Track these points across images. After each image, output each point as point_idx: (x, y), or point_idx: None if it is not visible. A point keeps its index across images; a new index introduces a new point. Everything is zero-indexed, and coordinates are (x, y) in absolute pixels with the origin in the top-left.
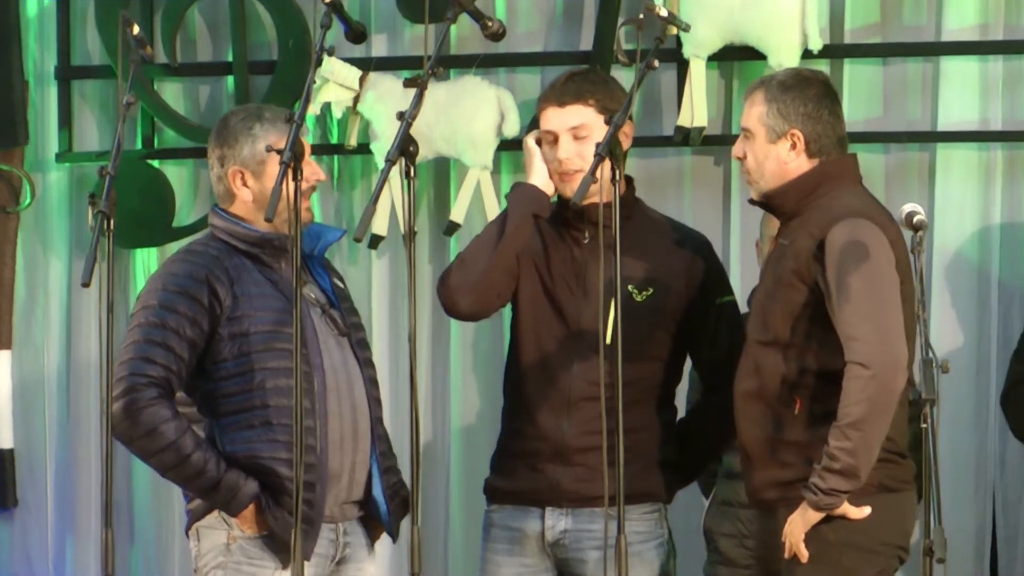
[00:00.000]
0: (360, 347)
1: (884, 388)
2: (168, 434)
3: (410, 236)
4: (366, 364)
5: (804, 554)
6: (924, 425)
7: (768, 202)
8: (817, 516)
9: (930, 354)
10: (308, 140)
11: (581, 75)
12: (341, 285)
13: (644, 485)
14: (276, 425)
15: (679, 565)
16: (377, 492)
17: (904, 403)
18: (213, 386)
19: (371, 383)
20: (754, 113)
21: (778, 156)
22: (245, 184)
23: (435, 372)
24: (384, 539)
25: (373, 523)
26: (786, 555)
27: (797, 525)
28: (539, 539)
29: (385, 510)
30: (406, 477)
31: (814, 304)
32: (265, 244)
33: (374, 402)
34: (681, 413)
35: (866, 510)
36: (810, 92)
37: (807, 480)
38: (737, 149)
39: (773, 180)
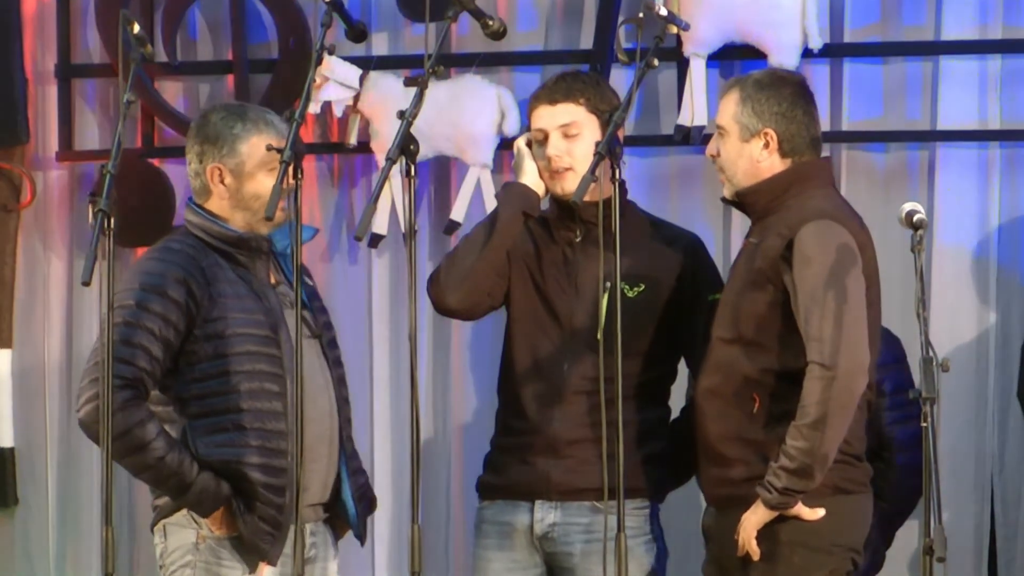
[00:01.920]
0: (330, 347)
1: (844, 389)
2: (141, 436)
3: (410, 235)
4: (335, 364)
5: (756, 551)
6: (924, 424)
7: (740, 200)
8: (770, 515)
9: (930, 353)
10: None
11: (572, 75)
12: (311, 283)
13: (633, 481)
14: (249, 429)
15: (677, 566)
16: (346, 495)
17: (863, 407)
18: (187, 387)
19: (340, 383)
20: (728, 111)
21: (751, 155)
22: (223, 181)
23: (436, 371)
24: (384, 539)
25: (338, 522)
26: (738, 553)
27: (750, 523)
28: (528, 533)
29: (354, 513)
30: (407, 476)
31: (780, 304)
32: (242, 244)
33: (343, 403)
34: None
35: (819, 511)
36: (785, 92)
37: (762, 478)
38: (711, 147)
39: (745, 179)
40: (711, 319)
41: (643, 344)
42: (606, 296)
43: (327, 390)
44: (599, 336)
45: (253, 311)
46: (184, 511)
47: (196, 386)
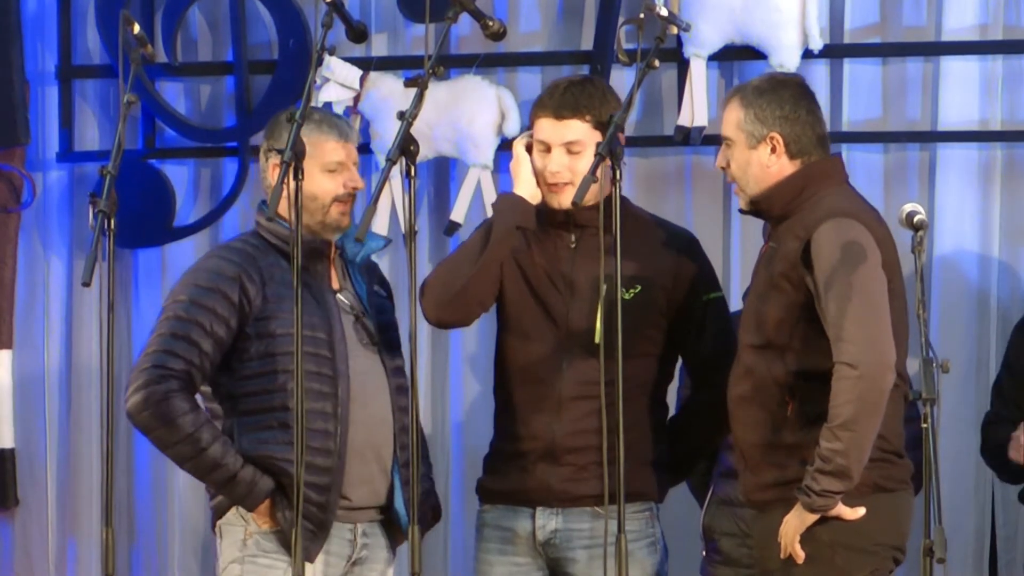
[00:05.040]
0: (390, 356)
1: (872, 387)
2: (185, 426)
3: (410, 235)
4: (394, 373)
5: (800, 555)
6: (924, 425)
7: (755, 207)
8: (812, 517)
9: (930, 354)
10: (353, 145)
11: (579, 87)
12: (383, 293)
13: (635, 484)
14: (294, 428)
15: (675, 565)
16: (398, 504)
17: (898, 401)
18: (236, 384)
19: (399, 392)
20: (731, 120)
21: (760, 161)
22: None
23: (434, 371)
24: None
25: (395, 528)
26: (781, 555)
27: (791, 526)
28: (530, 538)
29: (405, 522)
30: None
31: (804, 306)
32: (302, 245)
33: (399, 411)
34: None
35: (860, 511)
36: (785, 94)
37: (802, 481)
38: (720, 159)
39: (757, 185)
40: (707, 318)
41: (643, 346)
42: (601, 299)
43: (383, 397)
44: (597, 340)
45: (308, 312)
46: (234, 509)
47: (245, 383)
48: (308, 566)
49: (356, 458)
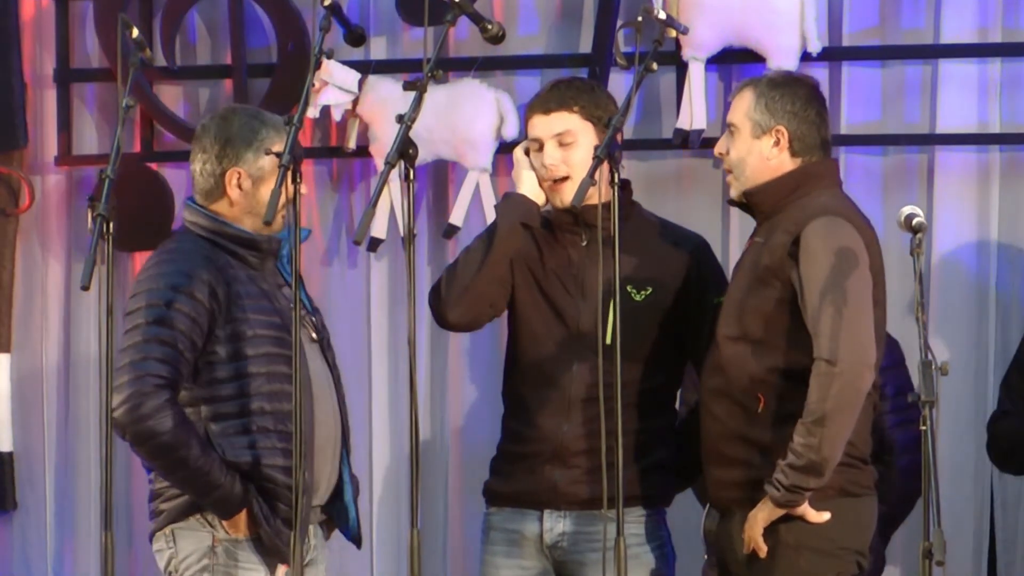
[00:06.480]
0: (330, 352)
1: (850, 385)
2: (175, 440)
3: (409, 239)
4: (333, 367)
5: (763, 548)
6: (923, 427)
7: (747, 200)
8: (777, 512)
9: (929, 356)
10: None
11: (566, 83)
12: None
13: (641, 488)
14: (274, 432)
15: (680, 569)
16: (348, 498)
17: (867, 410)
18: (207, 389)
19: (338, 385)
20: (741, 108)
21: (761, 152)
22: (239, 186)
23: (434, 374)
24: (382, 542)
25: (328, 522)
26: (745, 550)
27: (756, 521)
28: (537, 541)
29: (354, 516)
30: (405, 480)
31: (787, 301)
32: (255, 246)
33: (342, 405)
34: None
35: (825, 515)
36: (799, 91)
37: (767, 481)
38: (720, 145)
39: (753, 176)
40: (715, 321)
41: (652, 348)
42: (615, 303)
43: (330, 394)
44: (607, 342)
45: (268, 312)
46: (197, 515)
47: (218, 387)
48: (287, 571)
49: (320, 457)
